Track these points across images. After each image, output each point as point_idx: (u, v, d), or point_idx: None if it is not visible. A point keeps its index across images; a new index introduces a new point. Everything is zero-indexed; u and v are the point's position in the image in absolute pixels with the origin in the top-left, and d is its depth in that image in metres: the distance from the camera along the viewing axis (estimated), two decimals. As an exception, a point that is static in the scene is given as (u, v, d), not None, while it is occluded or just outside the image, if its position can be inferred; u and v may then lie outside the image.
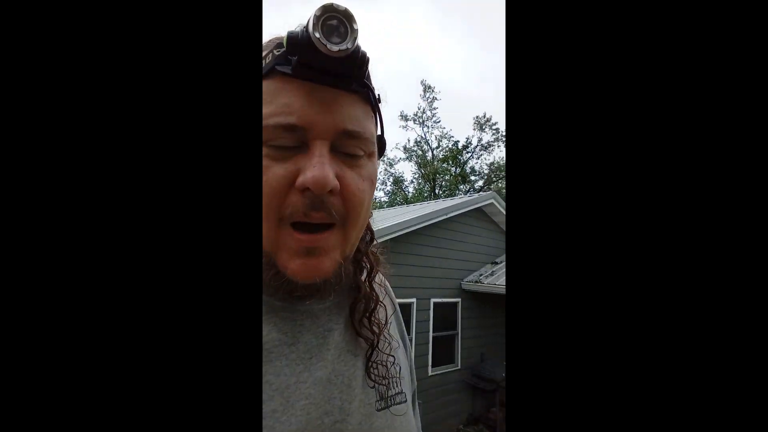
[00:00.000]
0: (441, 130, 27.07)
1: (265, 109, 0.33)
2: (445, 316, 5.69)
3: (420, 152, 20.78)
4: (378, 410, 0.43)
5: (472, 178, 19.79)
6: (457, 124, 36.52)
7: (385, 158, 26.26)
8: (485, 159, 21.95)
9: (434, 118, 21.23)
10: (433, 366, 5.42)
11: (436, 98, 20.42)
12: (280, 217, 0.35)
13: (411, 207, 8.35)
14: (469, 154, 19.76)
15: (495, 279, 5.77)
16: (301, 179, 0.34)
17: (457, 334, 5.83)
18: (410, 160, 21.14)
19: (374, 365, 0.44)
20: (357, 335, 0.44)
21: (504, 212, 6.39)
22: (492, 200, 6.41)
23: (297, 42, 0.32)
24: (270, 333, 0.38)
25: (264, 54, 0.35)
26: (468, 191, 19.25)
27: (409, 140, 27.56)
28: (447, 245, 5.70)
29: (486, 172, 19.46)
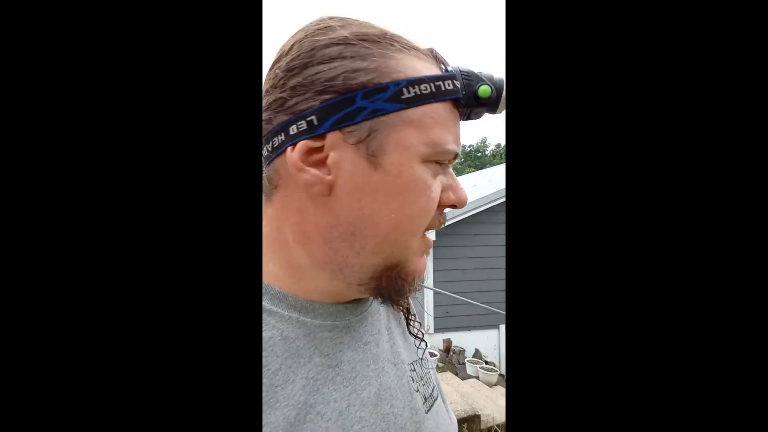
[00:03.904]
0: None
1: (439, 131, 0.34)
2: None
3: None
4: (426, 412, 0.43)
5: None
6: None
7: None
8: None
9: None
10: None
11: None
12: (428, 227, 0.37)
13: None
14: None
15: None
16: (454, 198, 0.37)
17: None
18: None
19: (413, 366, 0.45)
20: (393, 341, 0.45)
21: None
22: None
23: (476, 95, 0.35)
24: (312, 358, 0.36)
25: (413, 79, 0.33)
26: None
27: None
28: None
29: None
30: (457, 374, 4.69)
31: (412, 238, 0.36)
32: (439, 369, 4.69)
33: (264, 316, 0.35)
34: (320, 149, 0.32)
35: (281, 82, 0.33)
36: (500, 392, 4.40)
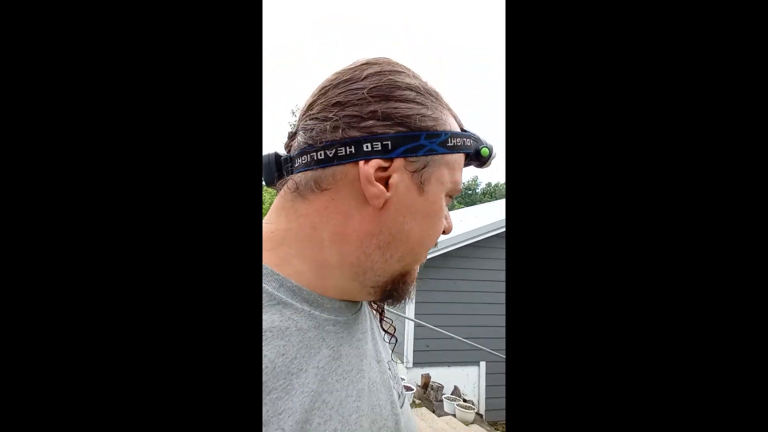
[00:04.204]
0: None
1: (458, 174, 0.43)
2: None
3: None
4: (401, 407, 0.48)
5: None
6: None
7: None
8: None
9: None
10: None
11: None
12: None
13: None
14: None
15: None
16: (447, 225, 0.45)
17: None
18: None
19: (389, 365, 0.50)
20: (375, 340, 0.50)
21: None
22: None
23: (479, 153, 0.45)
24: (321, 349, 0.39)
25: (454, 133, 0.42)
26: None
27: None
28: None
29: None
30: (433, 411, 4.56)
31: (424, 252, 0.44)
32: (415, 405, 4.56)
33: (280, 308, 0.38)
34: (386, 169, 0.38)
35: (359, 101, 0.39)
36: (476, 431, 4.28)
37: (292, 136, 0.43)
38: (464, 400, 4.96)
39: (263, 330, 0.35)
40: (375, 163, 0.38)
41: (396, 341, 0.56)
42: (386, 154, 0.38)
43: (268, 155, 0.44)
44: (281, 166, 0.43)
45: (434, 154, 0.40)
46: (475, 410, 4.75)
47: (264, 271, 0.38)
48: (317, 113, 0.40)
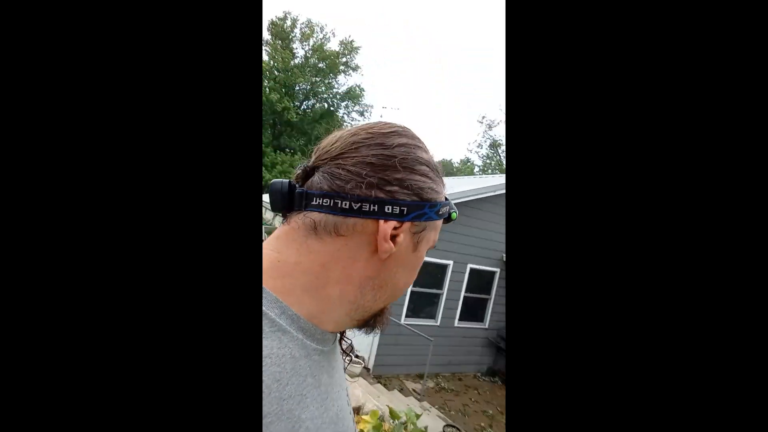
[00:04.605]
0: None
1: (437, 234, 0.51)
2: (480, 281, 6.65)
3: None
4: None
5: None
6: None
7: (484, 120, 25.81)
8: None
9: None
10: (459, 320, 6.45)
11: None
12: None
13: (472, 179, 9.41)
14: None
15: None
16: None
17: (491, 299, 6.76)
18: (509, 123, 20.52)
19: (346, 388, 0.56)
20: (339, 368, 0.55)
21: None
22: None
23: (449, 213, 0.50)
24: (307, 378, 0.42)
25: (444, 203, 0.49)
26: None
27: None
28: (493, 219, 6.40)
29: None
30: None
31: (401, 294, 0.51)
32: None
33: (279, 335, 0.41)
34: (397, 229, 0.44)
35: (389, 168, 0.44)
36: (361, 383, 4.76)
37: (309, 172, 0.46)
38: (356, 356, 5.46)
39: (263, 356, 0.37)
40: (392, 224, 0.43)
41: (362, 361, 0.63)
42: (401, 217, 0.44)
43: (281, 182, 0.46)
44: (293, 198, 0.46)
45: (430, 220, 0.47)
46: (363, 365, 5.27)
47: (269, 297, 0.42)
48: (350, 166, 0.43)
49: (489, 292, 6.71)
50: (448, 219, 0.51)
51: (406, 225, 0.45)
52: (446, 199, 0.51)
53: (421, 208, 0.45)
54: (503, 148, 20.66)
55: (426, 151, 0.48)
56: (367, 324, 0.50)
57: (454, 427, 4.35)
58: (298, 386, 0.40)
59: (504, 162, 19.74)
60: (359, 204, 0.43)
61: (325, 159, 0.45)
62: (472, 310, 6.63)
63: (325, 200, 0.43)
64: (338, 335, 0.53)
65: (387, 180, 0.43)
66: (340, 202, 0.43)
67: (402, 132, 0.47)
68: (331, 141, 0.46)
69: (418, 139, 0.48)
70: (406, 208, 0.44)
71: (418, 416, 3.20)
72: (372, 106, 25.66)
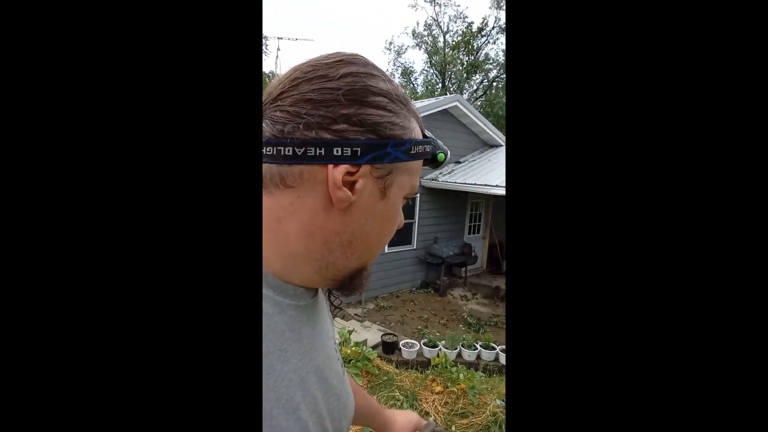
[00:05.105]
0: (455, 8, 26.66)
1: (416, 179, 0.46)
2: (405, 207, 6.55)
3: (431, 38, 18.18)
4: (343, 375, 0.54)
5: (487, 66, 17.67)
6: (473, 2, 29.04)
7: (393, 47, 24.97)
8: (502, 44, 17.62)
9: (447, -6, 19.12)
10: (389, 246, 6.65)
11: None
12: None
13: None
14: (485, 39, 17.29)
15: (450, 177, 6.97)
16: (400, 221, 0.47)
17: (415, 222, 7.16)
18: (420, 48, 18.73)
19: (335, 340, 0.56)
20: (325, 320, 0.53)
21: (469, 114, 7.41)
22: (456, 102, 7.19)
23: (435, 157, 0.46)
24: (284, 333, 0.41)
25: (415, 137, 0.44)
26: (481, 82, 18.35)
27: (418, 24, 24.26)
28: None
29: (502, 60, 16.62)
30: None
31: (380, 250, 0.46)
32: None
33: None
34: (353, 174, 0.39)
35: (333, 102, 0.38)
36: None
37: None
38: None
39: None
40: (343, 168, 0.38)
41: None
42: (355, 160, 0.38)
43: None
44: None
45: (398, 162, 0.41)
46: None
47: None
48: (288, 106, 0.38)
49: (413, 217, 7.13)
50: (432, 160, 0.45)
51: (365, 169, 0.39)
52: (425, 136, 0.45)
53: (383, 147, 0.39)
54: (416, 74, 20.02)
55: (385, 80, 0.41)
56: (343, 284, 0.46)
57: (391, 334, 4.90)
58: (275, 341, 0.40)
59: (419, 90, 18.99)
60: (303, 148, 0.38)
61: (267, 102, 0.40)
62: (400, 235, 7.15)
63: (268, 149, 0.39)
64: (324, 290, 0.52)
65: (331, 117, 0.38)
66: (282, 149, 0.38)
67: (350, 60, 0.41)
68: (274, 82, 0.41)
69: (373, 65, 0.42)
70: (359, 149, 0.38)
71: (350, 332, 3.67)
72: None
